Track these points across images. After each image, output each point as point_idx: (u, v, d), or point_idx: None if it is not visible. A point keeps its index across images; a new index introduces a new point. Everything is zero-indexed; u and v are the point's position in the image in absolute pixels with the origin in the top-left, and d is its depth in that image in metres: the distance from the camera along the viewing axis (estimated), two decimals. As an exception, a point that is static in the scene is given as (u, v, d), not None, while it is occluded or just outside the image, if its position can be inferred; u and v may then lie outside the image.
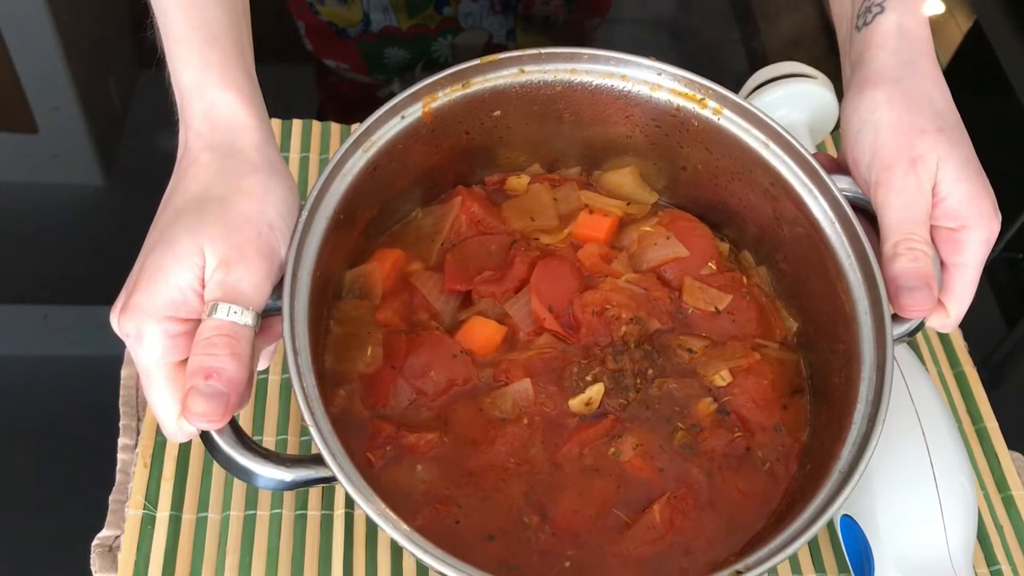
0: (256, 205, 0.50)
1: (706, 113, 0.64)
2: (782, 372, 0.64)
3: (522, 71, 0.63)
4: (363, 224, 0.63)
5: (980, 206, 0.56)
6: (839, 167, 0.62)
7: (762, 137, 0.62)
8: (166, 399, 0.48)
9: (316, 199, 0.56)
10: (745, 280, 0.67)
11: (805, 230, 0.62)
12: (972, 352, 0.81)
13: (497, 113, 0.65)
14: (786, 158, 0.62)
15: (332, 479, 0.49)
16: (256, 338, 0.50)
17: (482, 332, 0.62)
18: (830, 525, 0.69)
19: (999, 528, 0.71)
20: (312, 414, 0.49)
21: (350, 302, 0.63)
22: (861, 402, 0.55)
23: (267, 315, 0.51)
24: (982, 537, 0.70)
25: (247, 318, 0.48)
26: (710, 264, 0.67)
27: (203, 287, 0.49)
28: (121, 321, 0.48)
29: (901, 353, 0.70)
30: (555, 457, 0.59)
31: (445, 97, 0.62)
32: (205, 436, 0.49)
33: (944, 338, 0.81)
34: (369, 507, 0.48)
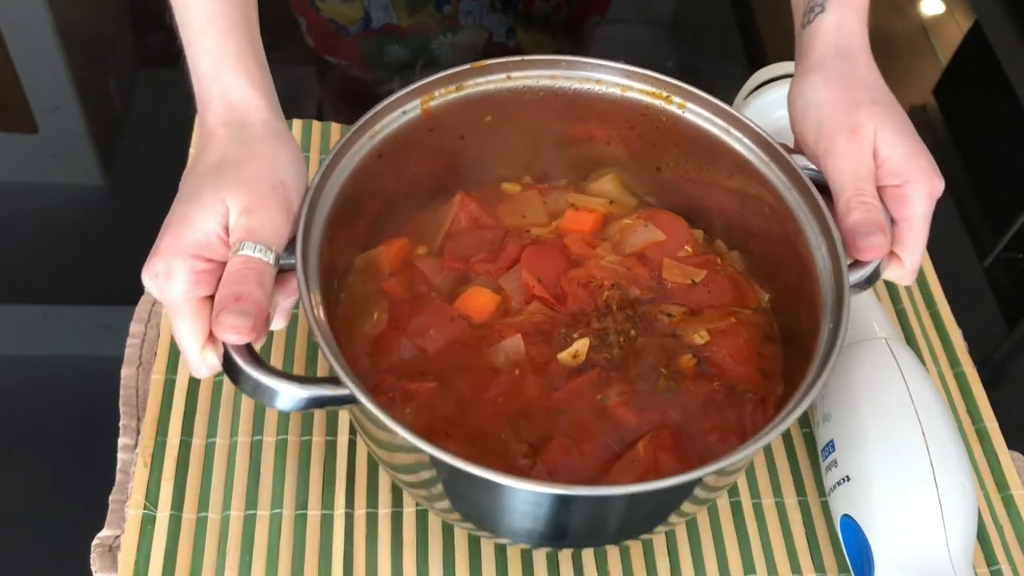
0: (268, 165, 0.56)
1: (672, 108, 0.69)
2: (757, 331, 0.69)
3: (509, 77, 0.68)
4: (369, 207, 0.67)
5: (918, 163, 0.61)
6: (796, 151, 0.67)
7: (722, 124, 0.67)
8: (191, 332, 0.52)
9: (328, 168, 0.61)
10: (719, 261, 0.72)
11: (769, 206, 0.66)
12: (972, 352, 0.81)
13: (489, 119, 0.69)
14: (745, 140, 0.67)
15: (347, 399, 0.52)
16: (274, 291, 0.54)
17: (478, 300, 0.68)
18: (830, 525, 0.69)
19: (999, 528, 0.71)
20: (322, 337, 0.53)
21: (358, 277, 0.69)
22: (824, 330, 0.58)
23: (283, 270, 0.56)
24: (982, 537, 0.70)
25: (270, 256, 0.54)
26: (686, 247, 0.72)
27: (226, 234, 0.54)
28: (151, 263, 0.52)
29: (902, 353, 0.70)
30: (545, 403, 0.63)
31: (441, 98, 0.67)
32: (227, 361, 0.53)
33: (944, 338, 0.81)
34: (374, 407, 0.51)
